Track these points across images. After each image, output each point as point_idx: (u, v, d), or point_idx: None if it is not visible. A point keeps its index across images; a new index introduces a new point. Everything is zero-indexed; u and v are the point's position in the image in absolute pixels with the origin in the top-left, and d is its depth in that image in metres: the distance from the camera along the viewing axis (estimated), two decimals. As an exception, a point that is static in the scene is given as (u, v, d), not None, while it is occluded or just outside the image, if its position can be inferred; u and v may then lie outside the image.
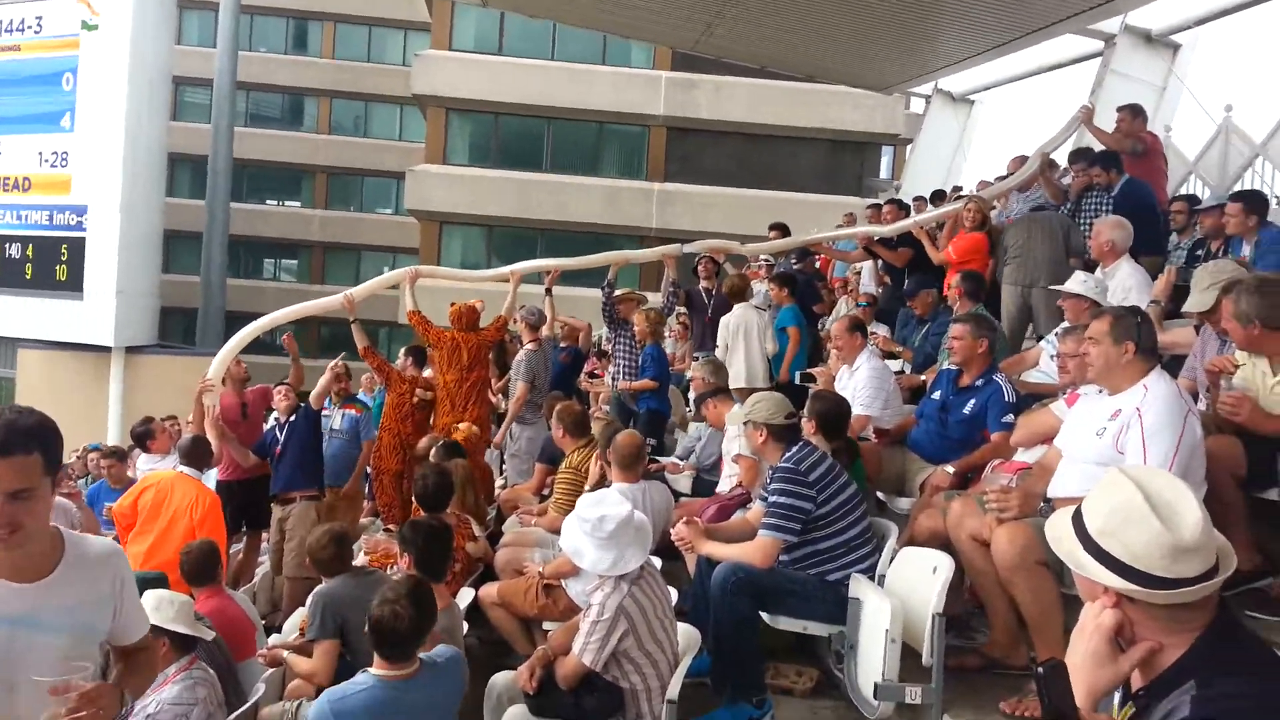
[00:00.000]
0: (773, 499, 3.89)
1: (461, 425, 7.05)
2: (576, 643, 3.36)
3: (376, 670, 3.12)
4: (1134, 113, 7.76)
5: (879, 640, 3.39)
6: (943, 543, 3.81)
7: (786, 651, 4.31)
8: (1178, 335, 4.85)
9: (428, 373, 8.11)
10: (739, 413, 4.36)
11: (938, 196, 10.42)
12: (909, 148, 20.98)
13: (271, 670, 4.34)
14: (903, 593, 3.57)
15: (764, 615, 3.84)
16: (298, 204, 36.42)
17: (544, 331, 8.31)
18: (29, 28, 24.86)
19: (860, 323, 6.38)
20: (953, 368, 4.92)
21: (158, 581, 4.36)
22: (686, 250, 8.99)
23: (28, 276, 24.65)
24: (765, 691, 3.83)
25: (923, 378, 6.34)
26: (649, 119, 24.42)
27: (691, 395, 8.34)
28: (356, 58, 35.53)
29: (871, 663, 3.45)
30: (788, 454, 3.98)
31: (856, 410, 5.39)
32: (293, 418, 7.20)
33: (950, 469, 4.44)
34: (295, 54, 35.65)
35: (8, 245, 24.91)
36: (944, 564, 3.50)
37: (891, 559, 3.93)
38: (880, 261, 9.08)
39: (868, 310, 8.27)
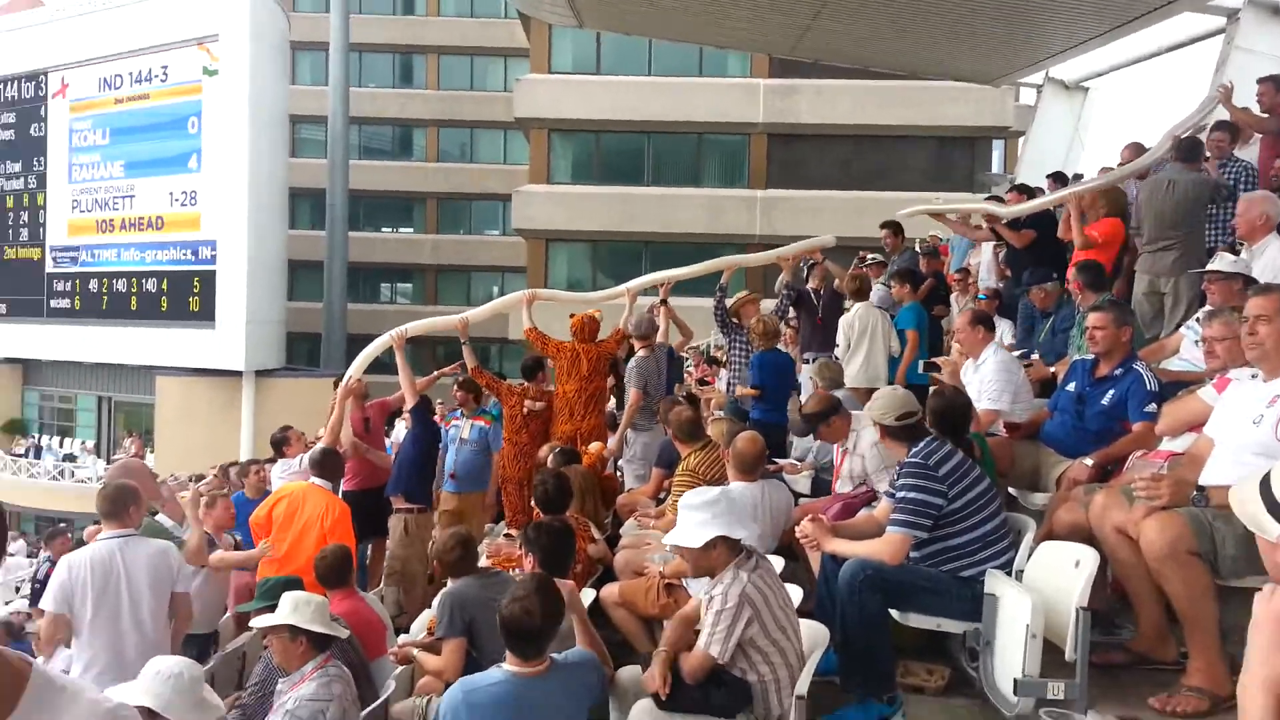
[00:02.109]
0: (901, 494, 3.78)
1: (593, 447, 7.16)
2: (702, 636, 3.33)
3: (509, 666, 3.14)
4: (1277, 86, 7.31)
5: (1018, 636, 3.24)
6: (1084, 537, 3.64)
7: (915, 650, 4.17)
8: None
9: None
10: (870, 415, 4.22)
11: (1059, 179, 9.95)
12: (1021, 140, 20.34)
13: (402, 668, 4.44)
14: (1042, 588, 3.41)
15: (894, 613, 3.73)
16: (410, 230, 37.62)
17: (658, 338, 8.30)
18: (156, 77, 26.56)
19: (984, 315, 6.13)
20: (1088, 358, 4.71)
21: (294, 585, 4.51)
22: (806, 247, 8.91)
23: (164, 309, 26.19)
24: (896, 689, 3.72)
25: (1053, 369, 6.08)
26: (749, 127, 24.35)
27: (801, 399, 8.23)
28: (460, 87, 36.60)
29: (1010, 659, 3.30)
30: (915, 448, 3.86)
31: (984, 405, 5.20)
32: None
33: (1089, 461, 4.23)
34: (402, 87, 36.91)
35: (145, 280, 26.53)
36: (1087, 557, 3.33)
37: (1029, 554, 3.77)
38: (1001, 254, 8.76)
39: (989, 303, 7.99)
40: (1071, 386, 4.69)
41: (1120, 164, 8.37)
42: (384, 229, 37.53)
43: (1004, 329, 7.72)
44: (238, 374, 25.44)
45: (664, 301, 8.57)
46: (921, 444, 3.88)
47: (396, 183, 36.35)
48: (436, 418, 9.04)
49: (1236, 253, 5.42)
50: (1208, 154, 7.21)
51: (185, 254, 25.94)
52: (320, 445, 7.24)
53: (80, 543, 7.37)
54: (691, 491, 3.59)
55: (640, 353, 8.03)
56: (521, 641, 3.12)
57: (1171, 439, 3.97)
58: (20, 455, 29.27)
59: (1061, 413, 4.71)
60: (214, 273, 25.37)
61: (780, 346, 8.26)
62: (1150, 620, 3.51)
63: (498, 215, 35.72)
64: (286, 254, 28.09)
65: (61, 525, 16.55)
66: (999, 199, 9.86)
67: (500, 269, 35.17)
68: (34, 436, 30.83)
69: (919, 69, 15.32)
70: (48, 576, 8.81)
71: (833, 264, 9.08)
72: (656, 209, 24.37)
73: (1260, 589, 3.08)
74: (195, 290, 25.69)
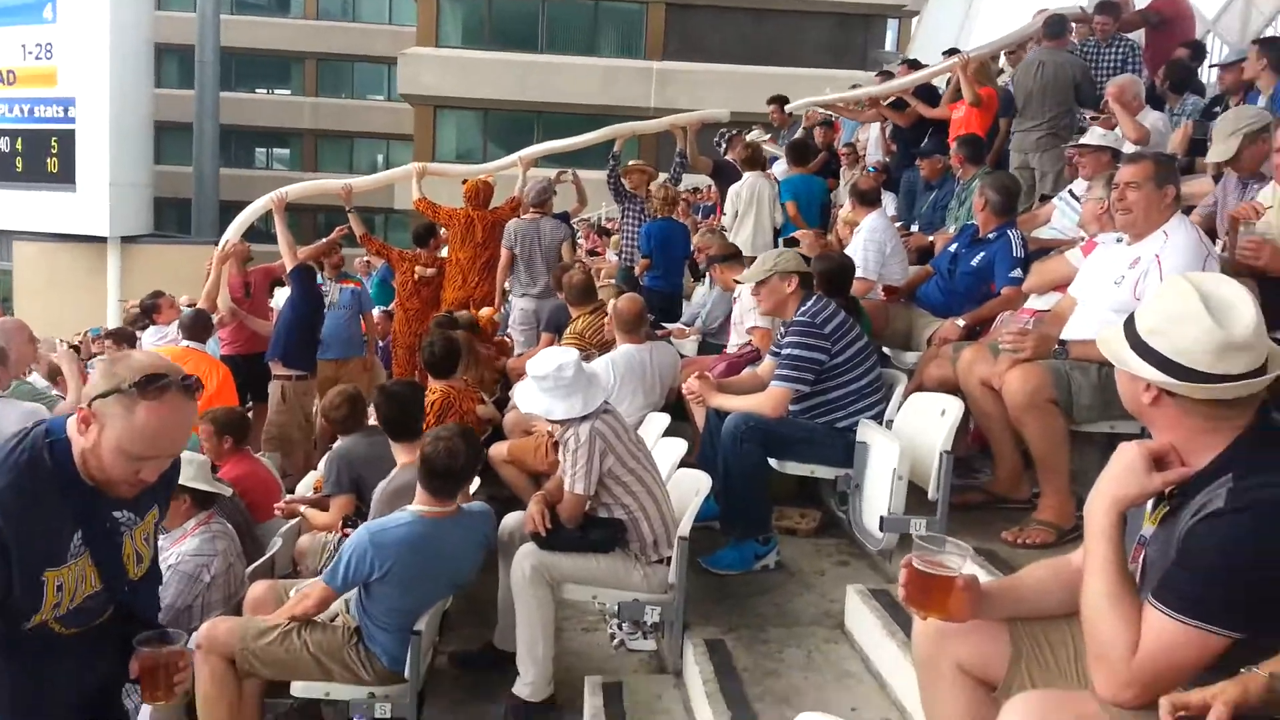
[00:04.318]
0: (787, 351, 3.90)
1: (483, 312, 7.12)
2: (566, 480, 3.47)
3: (417, 506, 3.27)
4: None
5: (885, 478, 3.46)
6: (951, 390, 3.84)
7: (789, 496, 4.41)
8: (1196, 186, 4.79)
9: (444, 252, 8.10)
10: (755, 271, 4.21)
11: (953, 55, 10.11)
12: (915, 20, 20.38)
13: (289, 524, 4.43)
14: (910, 435, 3.62)
15: (771, 462, 3.89)
16: (288, 92, 35.58)
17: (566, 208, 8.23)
18: (4, -88, 23.85)
19: (859, 191, 6.29)
20: (974, 222, 4.88)
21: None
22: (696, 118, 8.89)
23: (19, 169, 24.30)
24: (772, 531, 3.93)
25: (930, 238, 6.29)
26: (648, -5, 23.68)
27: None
28: (344, -64, 34.22)
29: (877, 500, 3.53)
30: (803, 307, 3.97)
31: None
32: None
33: (960, 322, 4.44)
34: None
35: (-4, 139, 24.48)
36: (953, 406, 3.54)
37: (899, 406, 3.97)
38: (888, 129, 8.91)
39: (877, 176, 8.14)
40: (953, 247, 4.86)
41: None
42: (259, 90, 35.38)
43: (888, 201, 7.91)
44: (102, 240, 24.05)
45: (576, 180, 8.46)
46: (809, 303, 3.99)
47: (273, 40, 34.02)
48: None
49: (1112, 127, 5.61)
50: (1092, 34, 7.39)
51: (41, 111, 24.01)
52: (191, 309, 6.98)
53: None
54: (536, 360, 3.58)
55: (526, 218, 7.88)
56: (440, 480, 3.25)
57: (1038, 297, 4.18)
58: None
59: (938, 273, 4.91)
60: (73, 132, 23.59)
61: (675, 216, 8.28)
62: (1007, 464, 3.77)
63: (382, 79, 34.02)
64: (153, 114, 26.27)
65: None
66: (890, 75, 9.98)
67: (385, 136, 33.74)
68: (-121, 303, 28.64)
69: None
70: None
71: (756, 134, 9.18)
72: (550, 78, 23.64)
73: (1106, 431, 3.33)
74: (53, 150, 23.87)
